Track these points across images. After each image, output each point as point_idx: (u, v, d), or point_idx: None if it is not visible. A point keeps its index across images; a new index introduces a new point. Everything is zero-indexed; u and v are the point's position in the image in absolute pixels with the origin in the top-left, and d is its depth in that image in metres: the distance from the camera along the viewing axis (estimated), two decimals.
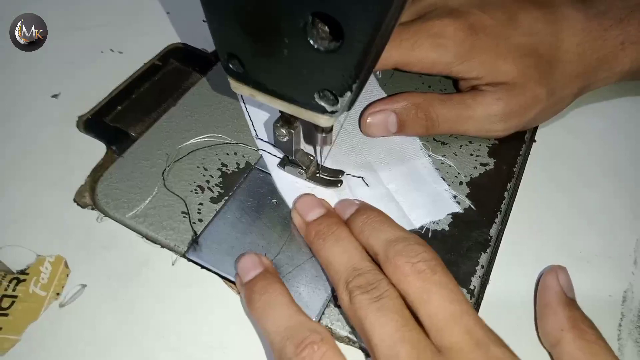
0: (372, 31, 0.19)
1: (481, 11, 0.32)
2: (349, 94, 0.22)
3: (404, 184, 0.33)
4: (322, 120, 0.25)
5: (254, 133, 0.35)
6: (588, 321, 0.26)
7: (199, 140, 0.34)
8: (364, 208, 0.29)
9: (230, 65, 0.25)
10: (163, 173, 0.32)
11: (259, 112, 0.36)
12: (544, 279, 0.28)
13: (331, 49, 0.21)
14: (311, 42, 0.21)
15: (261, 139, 0.35)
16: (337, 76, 0.22)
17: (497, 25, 0.32)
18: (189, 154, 0.34)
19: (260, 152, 0.34)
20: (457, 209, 0.32)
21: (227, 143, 0.34)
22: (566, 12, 0.32)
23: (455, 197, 0.33)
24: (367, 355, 0.27)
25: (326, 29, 0.20)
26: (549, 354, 0.26)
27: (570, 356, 0.24)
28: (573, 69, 0.32)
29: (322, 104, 0.24)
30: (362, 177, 0.33)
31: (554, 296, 0.27)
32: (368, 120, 0.34)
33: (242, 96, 0.37)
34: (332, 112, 0.24)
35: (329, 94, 0.23)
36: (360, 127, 0.35)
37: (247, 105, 0.36)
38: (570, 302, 0.27)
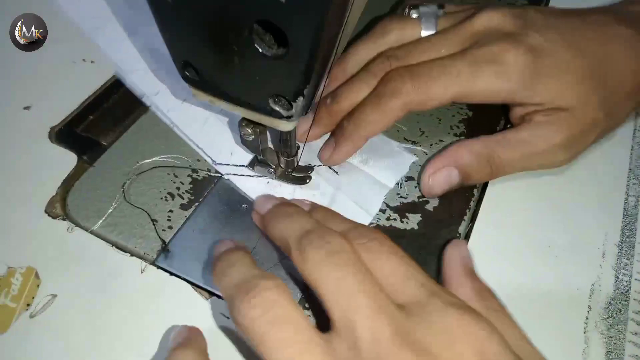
0: (314, 35, 0.19)
1: (536, 33, 0.31)
2: (301, 98, 0.23)
3: (361, 154, 0.35)
4: (282, 125, 0.26)
5: (210, 160, 0.34)
6: (489, 290, 0.27)
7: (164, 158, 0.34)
8: (317, 207, 0.29)
9: (187, 73, 0.25)
10: (123, 185, 0.33)
11: (207, 135, 0.35)
12: (447, 254, 0.29)
13: (279, 55, 0.21)
14: (259, 49, 0.21)
15: (220, 164, 0.34)
16: (287, 81, 0.22)
17: (554, 48, 0.31)
18: (153, 168, 0.34)
19: (226, 177, 0.33)
20: (415, 158, 0.35)
21: (187, 167, 0.35)
22: (616, 31, 0.32)
23: (408, 148, 0.35)
24: None
25: (270, 36, 0.21)
26: None
27: None
28: (627, 88, 0.32)
29: (277, 108, 0.24)
30: (328, 165, 0.34)
31: (458, 269, 0.28)
32: (430, 183, 0.32)
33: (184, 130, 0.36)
34: (289, 117, 0.24)
35: (283, 99, 0.23)
36: (420, 189, 0.33)
37: (192, 136, 0.35)
38: (473, 273, 0.28)
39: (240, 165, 0.34)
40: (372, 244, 0.25)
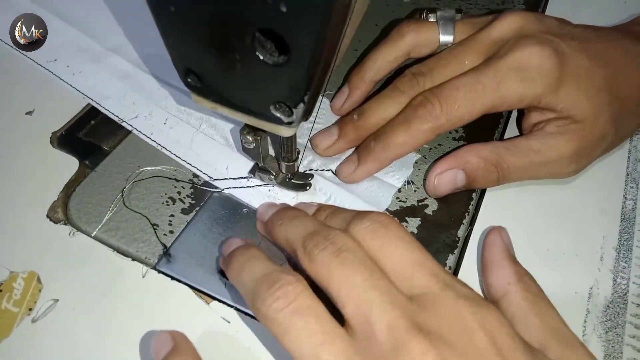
0: (315, 43, 0.20)
1: (557, 38, 0.31)
2: (302, 105, 0.23)
3: None
4: (283, 131, 0.26)
5: (207, 177, 0.34)
6: (529, 274, 0.28)
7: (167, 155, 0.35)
8: (323, 206, 0.30)
9: (189, 80, 0.25)
10: (123, 190, 0.33)
11: (198, 153, 0.35)
12: (489, 238, 0.30)
13: (280, 63, 0.21)
14: (260, 56, 0.21)
15: (218, 179, 0.34)
16: (288, 88, 0.22)
17: (575, 54, 0.31)
18: (153, 177, 0.34)
19: (227, 192, 0.33)
20: (417, 156, 0.36)
21: (188, 182, 0.35)
22: (625, 46, 0.33)
23: None
24: None
25: (272, 44, 0.21)
26: None
27: (517, 307, 0.26)
28: (634, 105, 0.33)
29: (278, 115, 0.24)
30: (330, 170, 0.35)
31: (500, 253, 0.29)
32: (435, 182, 0.32)
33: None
34: (290, 123, 0.25)
35: (284, 106, 0.24)
36: (425, 188, 0.34)
37: (184, 157, 0.35)
38: (513, 258, 0.29)
39: (238, 178, 0.34)
40: (375, 226, 0.25)
